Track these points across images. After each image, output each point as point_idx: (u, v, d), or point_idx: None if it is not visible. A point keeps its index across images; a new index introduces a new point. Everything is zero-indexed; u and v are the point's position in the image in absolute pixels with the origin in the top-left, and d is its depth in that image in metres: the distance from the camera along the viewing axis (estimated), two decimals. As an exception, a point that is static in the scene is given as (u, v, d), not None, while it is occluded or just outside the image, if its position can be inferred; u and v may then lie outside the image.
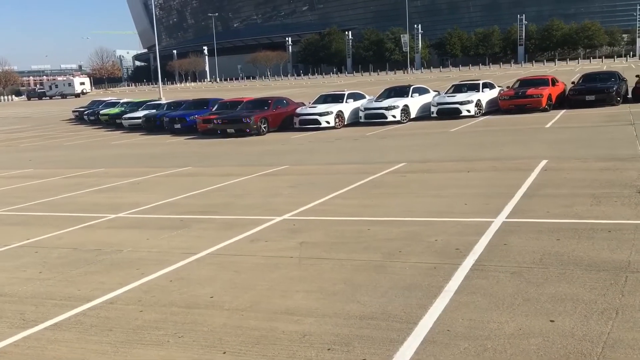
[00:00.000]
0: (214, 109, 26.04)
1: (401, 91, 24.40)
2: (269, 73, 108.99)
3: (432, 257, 5.61)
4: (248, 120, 22.18)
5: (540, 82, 23.94)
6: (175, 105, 30.37)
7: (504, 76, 51.21)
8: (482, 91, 23.67)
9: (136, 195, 10.91)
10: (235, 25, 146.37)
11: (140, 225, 8.30)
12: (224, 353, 3.90)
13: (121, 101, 38.84)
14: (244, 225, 7.65)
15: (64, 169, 16.01)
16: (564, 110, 21.72)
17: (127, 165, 16.24)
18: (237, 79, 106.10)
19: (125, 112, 32.71)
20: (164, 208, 9.37)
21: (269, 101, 24.25)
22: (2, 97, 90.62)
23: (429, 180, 10.00)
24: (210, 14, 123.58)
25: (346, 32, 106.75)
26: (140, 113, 30.48)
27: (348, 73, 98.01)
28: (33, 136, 31.53)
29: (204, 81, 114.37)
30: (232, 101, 26.78)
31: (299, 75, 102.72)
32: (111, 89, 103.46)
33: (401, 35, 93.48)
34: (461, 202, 7.90)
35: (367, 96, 25.27)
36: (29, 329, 4.60)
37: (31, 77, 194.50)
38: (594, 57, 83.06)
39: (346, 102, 23.76)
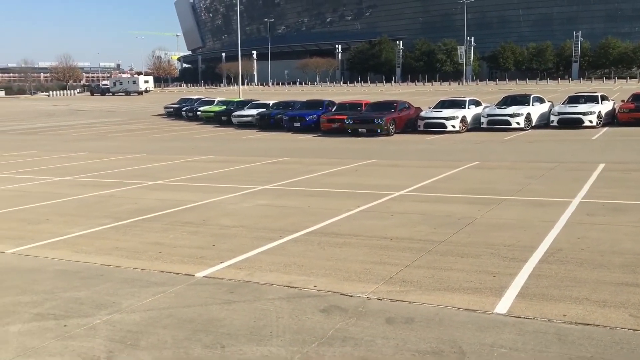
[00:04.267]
0: (333, 110, 27.55)
1: (522, 100, 25.50)
2: (318, 79, 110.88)
3: None
4: (380, 121, 23.52)
5: (658, 96, 24.83)
6: (284, 105, 31.99)
7: (568, 91, 51.73)
8: (601, 103, 24.65)
9: (377, 179, 12.28)
10: (279, 30, 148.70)
11: (441, 201, 9.55)
12: None
13: (216, 100, 40.72)
14: (551, 204, 8.88)
15: (243, 157, 17.50)
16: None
17: (303, 156, 17.62)
18: (284, 83, 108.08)
19: (230, 110, 34.40)
20: (431, 190, 10.65)
21: (395, 104, 25.57)
22: (65, 92, 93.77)
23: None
24: (250, 18, 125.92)
25: (397, 42, 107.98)
26: (250, 111, 32.08)
27: (400, 83, 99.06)
28: (144, 129, 33.33)
29: (252, 84, 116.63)
30: (351, 103, 28.26)
31: (350, 82, 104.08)
32: (167, 88, 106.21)
33: (457, 47, 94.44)
34: None
35: (483, 103, 26.47)
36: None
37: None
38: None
39: (468, 108, 25.00)
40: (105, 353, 4.17)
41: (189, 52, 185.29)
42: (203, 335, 4.42)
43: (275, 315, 4.75)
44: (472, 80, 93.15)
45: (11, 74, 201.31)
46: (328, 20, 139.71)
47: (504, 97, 26.46)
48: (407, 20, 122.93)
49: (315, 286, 5.46)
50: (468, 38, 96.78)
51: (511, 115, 23.83)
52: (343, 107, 27.65)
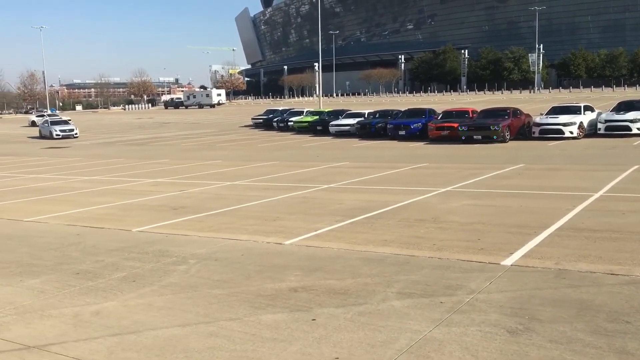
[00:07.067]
0: (439, 117, 27.75)
1: (639, 105, 24.98)
2: (382, 89, 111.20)
3: None
4: (496, 128, 23.54)
5: None
6: (381, 114, 32.49)
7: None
8: None
9: (553, 182, 12.41)
10: (339, 42, 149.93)
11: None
12: None
13: (305, 110, 41.69)
14: None
15: (378, 163, 17.95)
16: None
17: (440, 162, 17.91)
18: (347, 94, 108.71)
19: (324, 120, 35.20)
20: (628, 191, 10.68)
21: (508, 111, 25.54)
22: (139, 106, 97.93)
23: None
24: (309, 31, 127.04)
25: (462, 51, 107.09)
26: (348, 120, 32.75)
27: (468, 92, 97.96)
28: (245, 139, 34.46)
29: (315, 96, 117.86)
30: (458, 110, 28.43)
31: (416, 92, 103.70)
32: (235, 100, 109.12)
33: (529, 55, 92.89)
34: None
35: (595, 109, 26.06)
36: None
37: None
38: None
39: (584, 113, 24.68)
40: (520, 325, 4.53)
41: (249, 66, 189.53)
42: (594, 313, 4.72)
43: (641, 298, 5.02)
44: (549, 88, 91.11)
45: (78, 89, 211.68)
46: (388, 30, 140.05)
47: (618, 103, 26.00)
48: (471, 29, 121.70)
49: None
50: (537, 46, 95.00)
51: (631, 121, 23.41)
52: (449, 114, 27.81)
